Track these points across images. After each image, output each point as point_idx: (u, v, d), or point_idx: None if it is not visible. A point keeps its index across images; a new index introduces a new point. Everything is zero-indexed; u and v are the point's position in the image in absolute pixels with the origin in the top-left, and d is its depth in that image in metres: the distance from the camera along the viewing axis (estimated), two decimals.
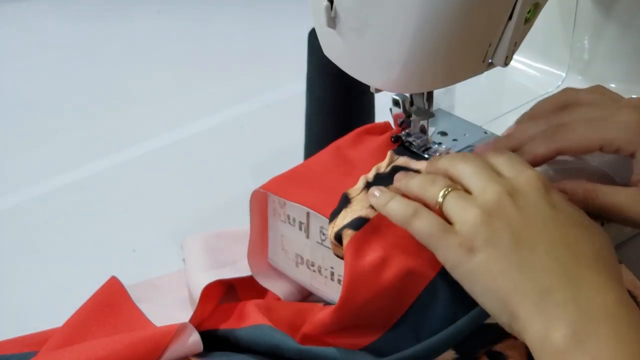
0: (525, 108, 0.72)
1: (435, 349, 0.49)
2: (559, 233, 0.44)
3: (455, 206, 0.47)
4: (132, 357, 0.53)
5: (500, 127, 0.69)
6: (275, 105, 0.97)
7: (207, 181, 0.82)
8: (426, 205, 0.49)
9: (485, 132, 0.67)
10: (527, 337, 0.42)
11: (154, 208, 0.78)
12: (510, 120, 0.71)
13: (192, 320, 0.57)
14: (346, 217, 0.55)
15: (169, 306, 0.63)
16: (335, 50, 0.55)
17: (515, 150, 0.56)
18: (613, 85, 0.72)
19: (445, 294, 0.51)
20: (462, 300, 0.48)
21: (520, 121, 0.60)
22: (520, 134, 0.56)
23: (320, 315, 0.55)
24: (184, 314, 0.60)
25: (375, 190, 0.51)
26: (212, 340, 0.58)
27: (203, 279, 0.61)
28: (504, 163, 0.49)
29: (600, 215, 0.52)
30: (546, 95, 0.74)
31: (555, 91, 0.74)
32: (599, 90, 0.58)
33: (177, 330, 0.55)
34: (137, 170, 0.85)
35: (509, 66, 0.54)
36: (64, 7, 1.32)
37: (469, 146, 0.65)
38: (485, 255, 0.44)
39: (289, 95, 0.97)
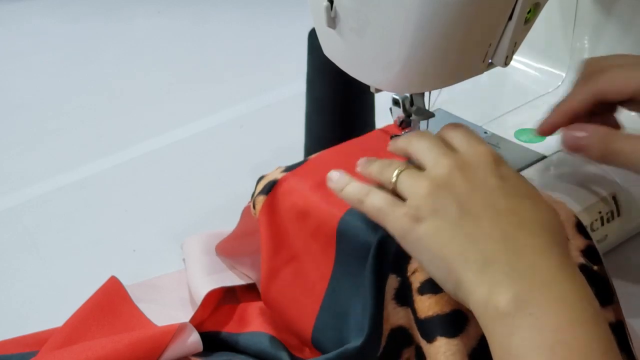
0: (526, 108, 0.73)
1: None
2: (505, 203, 0.45)
3: (406, 182, 0.48)
4: (132, 357, 0.53)
5: (500, 127, 0.69)
6: (275, 105, 0.97)
7: (207, 181, 0.82)
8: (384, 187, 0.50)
9: (486, 132, 0.67)
10: (471, 302, 0.43)
11: (153, 208, 0.78)
12: (510, 120, 0.71)
13: (192, 321, 0.58)
14: (260, 185, 0.58)
15: (169, 306, 0.63)
16: (335, 50, 0.55)
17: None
18: None
19: (360, 223, 0.52)
20: (374, 229, 0.51)
21: None
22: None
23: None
24: (183, 314, 0.60)
25: (334, 174, 0.52)
26: (212, 341, 0.58)
27: (204, 284, 0.60)
28: (457, 137, 0.50)
29: (614, 162, 0.51)
30: (547, 96, 0.74)
31: (556, 91, 0.74)
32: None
33: (177, 330, 0.55)
34: (137, 170, 0.85)
35: (509, 66, 0.54)
36: (64, 7, 1.32)
37: None
38: (431, 225, 0.45)
39: (288, 95, 0.97)
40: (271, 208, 0.57)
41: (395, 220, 0.47)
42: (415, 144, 0.50)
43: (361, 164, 0.54)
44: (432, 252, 0.45)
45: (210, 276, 0.62)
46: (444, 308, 0.48)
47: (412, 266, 0.50)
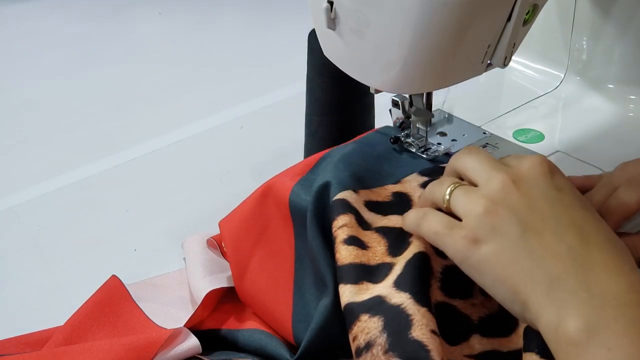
0: (524, 108, 0.73)
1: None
2: (567, 216, 0.43)
3: (460, 201, 0.45)
4: None
5: (499, 127, 0.69)
6: (276, 105, 0.98)
7: (208, 181, 0.82)
8: (438, 207, 0.48)
9: (484, 133, 0.67)
10: (540, 326, 0.41)
11: (154, 208, 0.78)
12: (509, 120, 0.71)
13: (192, 320, 0.58)
14: None
15: (170, 305, 0.63)
16: (335, 51, 0.56)
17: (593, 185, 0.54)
18: (611, 86, 0.72)
19: (304, 193, 0.55)
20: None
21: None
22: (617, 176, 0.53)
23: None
24: (184, 313, 0.60)
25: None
26: (213, 338, 0.58)
27: (204, 284, 0.60)
28: (508, 156, 0.48)
29: None
30: (545, 96, 0.75)
31: (554, 92, 0.75)
32: None
33: (171, 336, 0.55)
34: (139, 170, 0.85)
35: (508, 67, 0.55)
36: (66, 9, 1.33)
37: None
38: (493, 246, 0.43)
39: (289, 96, 0.98)
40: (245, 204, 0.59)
41: (453, 244, 0.44)
42: (463, 160, 0.48)
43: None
44: (495, 274, 0.43)
45: (211, 276, 0.62)
46: (370, 261, 0.49)
47: (337, 222, 0.51)
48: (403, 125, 0.62)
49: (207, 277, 0.62)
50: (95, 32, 1.25)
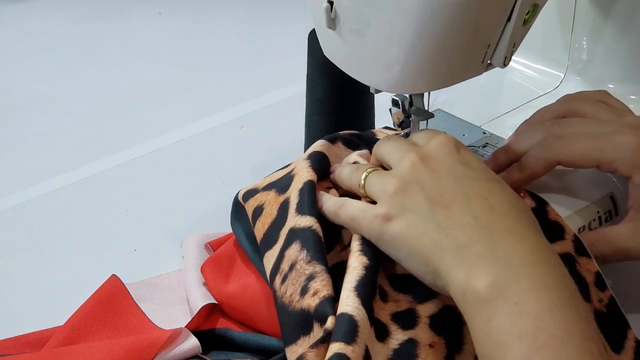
0: (524, 108, 0.73)
1: None
2: (473, 189, 0.45)
3: (374, 184, 0.48)
4: None
5: (499, 127, 0.69)
6: (276, 105, 0.98)
7: (208, 181, 0.82)
8: (355, 193, 0.51)
9: (484, 132, 0.67)
10: (450, 290, 0.43)
11: (154, 208, 0.78)
12: (509, 120, 0.71)
13: (188, 327, 0.57)
14: None
15: (169, 305, 0.63)
16: (335, 51, 0.56)
17: (515, 160, 0.56)
18: (611, 86, 0.72)
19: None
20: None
21: (519, 130, 0.60)
22: (517, 145, 0.56)
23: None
24: (183, 314, 0.60)
25: (321, 194, 0.53)
26: (212, 338, 0.58)
27: (199, 296, 0.60)
28: (419, 135, 0.51)
29: (607, 262, 0.52)
30: (545, 96, 0.75)
31: (554, 92, 0.75)
32: (603, 99, 0.57)
33: (170, 336, 0.55)
34: (139, 170, 0.85)
35: (508, 67, 0.55)
36: (65, 9, 1.33)
37: (468, 146, 0.65)
38: (403, 221, 0.45)
39: (289, 96, 0.98)
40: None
41: (368, 224, 0.47)
42: (380, 147, 0.51)
43: (334, 171, 0.55)
44: (408, 247, 0.45)
45: (205, 287, 0.62)
46: (267, 219, 0.54)
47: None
48: (403, 124, 0.62)
49: (201, 287, 0.61)
50: (95, 32, 1.25)
